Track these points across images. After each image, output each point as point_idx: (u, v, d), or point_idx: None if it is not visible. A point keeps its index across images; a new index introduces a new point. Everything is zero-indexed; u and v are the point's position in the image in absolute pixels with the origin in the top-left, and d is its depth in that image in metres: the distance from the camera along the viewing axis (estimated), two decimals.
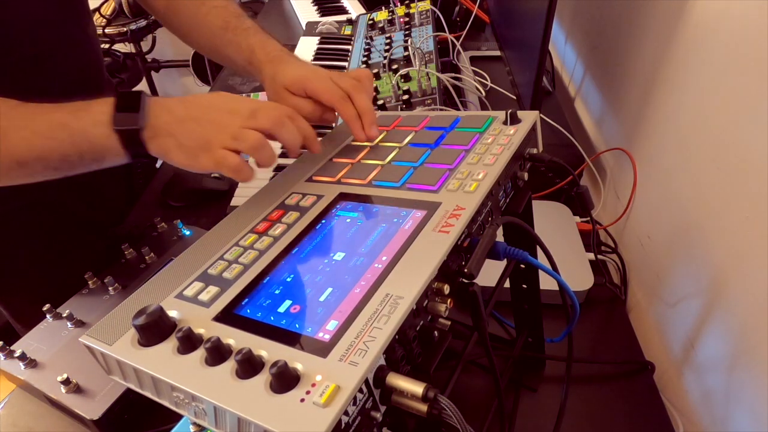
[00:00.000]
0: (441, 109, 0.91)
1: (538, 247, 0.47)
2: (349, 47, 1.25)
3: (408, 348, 0.34)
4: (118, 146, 0.48)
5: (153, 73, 2.63)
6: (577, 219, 0.81)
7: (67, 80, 0.70)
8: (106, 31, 2.28)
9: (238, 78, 1.24)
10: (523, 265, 0.54)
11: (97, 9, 2.32)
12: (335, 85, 0.57)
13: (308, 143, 0.53)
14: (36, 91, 0.49)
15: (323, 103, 0.58)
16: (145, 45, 2.51)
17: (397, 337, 0.32)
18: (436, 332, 0.36)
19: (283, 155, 0.94)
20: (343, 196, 0.47)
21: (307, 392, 0.29)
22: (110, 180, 0.86)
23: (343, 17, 1.43)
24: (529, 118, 0.51)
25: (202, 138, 0.48)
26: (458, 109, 1.01)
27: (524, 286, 0.56)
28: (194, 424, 0.45)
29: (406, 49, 1.11)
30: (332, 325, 0.33)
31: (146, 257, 0.70)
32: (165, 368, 0.34)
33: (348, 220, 0.44)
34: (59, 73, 0.69)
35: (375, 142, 0.55)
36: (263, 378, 0.31)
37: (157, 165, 1.06)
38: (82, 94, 0.49)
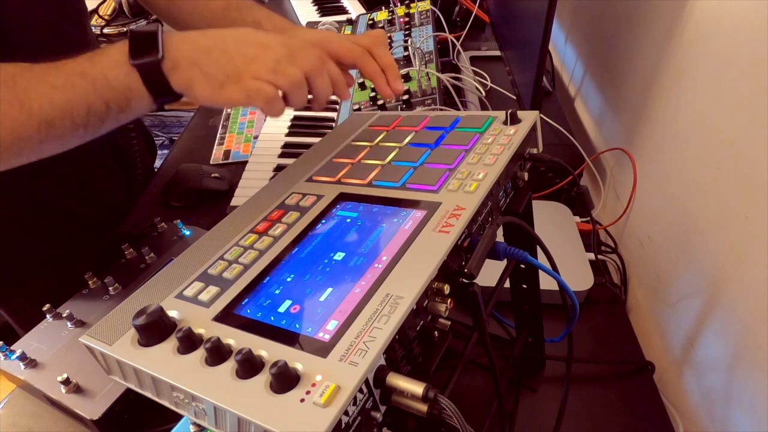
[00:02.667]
0: (441, 109, 0.91)
1: (538, 247, 0.47)
2: None
3: (408, 348, 0.34)
4: (140, 85, 0.45)
5: None
6: (577, 219, 0.81)
7: None
8: (105, 31, 2.28)
9: None
10: (523, 265, 0.54)
11: (95, 10, 2.32)
12: (354, 43, 0.55)
13: (338, 90, 0.51)
14: None
15: (343, 63, 0.55)
16: None
17: (397, 337, 0.32)
18: (436, 332, 0.36)
19: (284, 155, 0.94)
20: (343, 196, 0.47)
21: (307, 392, 0.29)
22: (109, 180, 0.86)
23: (343, 17, 1.43)
24: (529, 118, 0.51)
25: (231, 68, 0.45)
26: (458, 109, 1.01)
27: (524, 286, 0.56)
28: (194, 424, 0.44)
29: (406, 49, 1.11)
30: (332, 325, 0.33)
31: (146, 257, 0.70)
32: (165, 368, 0.34)
33: (348, 220, 0.44)
34: None
35: (375, 141, 0.55)
36: (263, 378, 0.31)
37: (156, 166, 1.06)
38: None
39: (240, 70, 0.46)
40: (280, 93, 0.47)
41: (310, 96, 0.50)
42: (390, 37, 1.17)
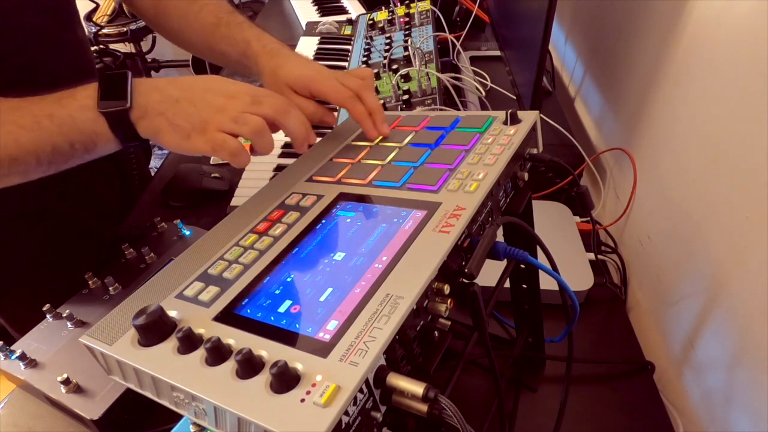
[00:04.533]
0: (441, 109, 0.91)
1: (538, 247, 0.47)
2: (349, 47, 1.25)
3: (408, 348, 0.34)
4: (107, 130, 0.46)
5: (153, 73, 2.63)
6: (577, 219, 0.81)
7: (62, 87, 0.70)
8: (106, 31, 2.28)
9: (239, 77, 1.23)
10: (523, 265, 0.54)
11: (93, 11, 2.32)
12: (342, 85, 0.56)
13: (295, 142, 0.52)
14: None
15: (330, 104, 0.57)
16: (145, 45, 2.51)
17: (397, 337, 0.32)
18: (436, 332, 0.36)
19: (284, 155, 0.94)
20: (343, 196, 0.47)
21: (308, 392, 0.29)
22: (104, 183, 0.86)
23: (343, 17, 1.43)
24: (529, 118, 0.51)
25: (197, 119, 0.46)
26: (458, 109, 1.01)
27: (524, 286, 0.56)
28: (194, 424, 0.44)
29: (406, 49, 1.11)
30: (332, 325, 0.33)
31: (146, 257, 0.70)
32: (165, 368, 0.34)
33: (348, 220, 0.44)
34: (53, 79, 0.68)
35: (375, 141, 0.55)
36: (263, 378, 0.31)
37: (152, 167, 1.06)
38: None
39: (206, 121, 0.46)
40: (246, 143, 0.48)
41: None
42: (390, 37, 1.18)
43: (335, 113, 0.59)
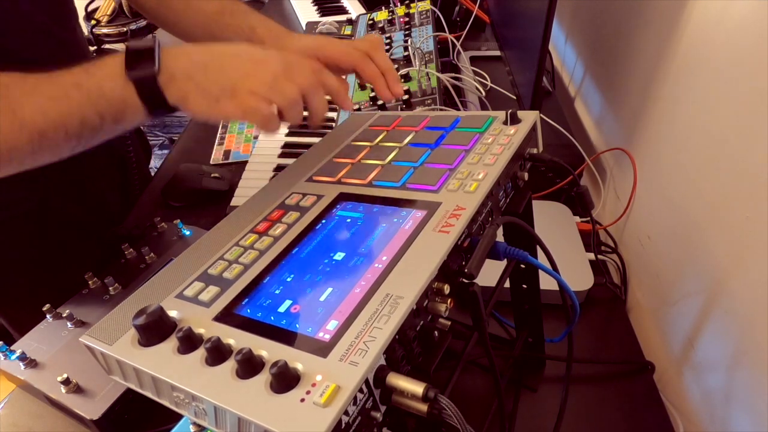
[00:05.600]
0: (441, 109, 0.91)
1: (538, 247, 0.47)
2: None
3: (408, 348, 0.34)
4: (135, 98, 0.45)
5: None
6: (577, 219, 0.81)
7: None
8: (105, 30, 2.28)
9: None
10: (523, 265, 0.54)
11: (93, 11, 2.31)
12: (353, 48, 0.55)
13: (338, 99, 0.51)
14: None
15: (341, 68, 0.55)
16: None
17: (397, 337, 0.32)
18: (436, 332, 0.36)
19: (284, 155, 0.94)
20: (343, 196, 0.47)
21: (307, 392, 0.29)
22: (105, 182, 0.86)
23: (343, 17, 1.43)
24: (529, 118, 0.51)
25: (227, 83, 0.45)
26: (458, 109, 1.01)
27: (524, 286, 0.56)
28: (194, 424, 0.44)
29: (406, 49, 1.11)
30: (332, 325, 0.33)
31: (146, 257, 0.70)
32: (165, 368, 0.34)
33: (348, 220, 0.44)
34: None
35: (375, 141, 0.55)
36: (263, 378, 0.31)
37: (152, 167, 1.06)
38: None
39: (236, 85, 0.45)
40: (275, 110, 0.47)
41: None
42: (390, 37, 1.18)
43: (347, 81, 0.58)
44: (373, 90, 0.99)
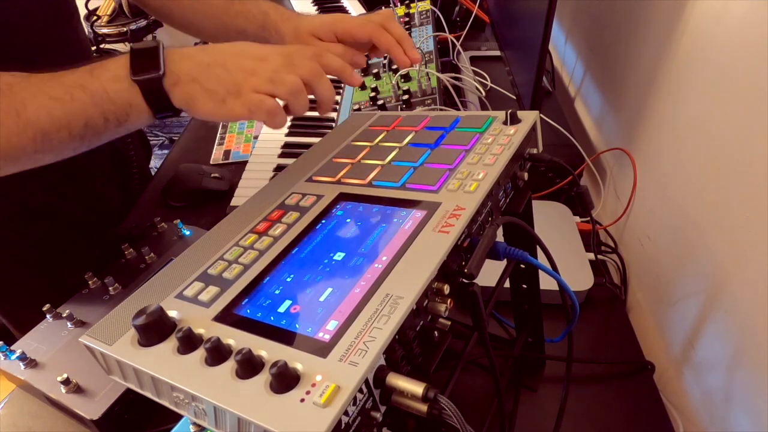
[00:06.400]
0: (441, 109, 0.92)
1: (538, 247, 0.47)
2: None
3: (408, 348, 0.34)
4: (140, 100, 0.45)
5: None
6: (577, 219, 0.81)
7: None
8: (105, 30, 2.28)
9: None
10: (523, 265, 0.54)
11: (94, 11, 2.31)
12: (366, 19, 0.56)
13: (345, 77, 0.52)
14: None
15: (357, 41, 0.56)
16: None
17: (397, 337, 0.32)
18: (436, 332, 0.36)
19: (284, 155, 0.94)
20: (343, 196, 0.47)
21: (307, 392, 0.29)
22: (105, 182, 0.86)
23: None
24: (529, 118, 0.50)
25: (231, 82, 0.45)
26: (458, 109, 1.01)
27: (524, 286, 0.56)
28: (194, 424, 0.45)
29: None
30: (332, 325, 0.33)
31: (146, 257, 0.70)
32: (165, 368, 0.34)
33: (348, 220, 0.44)
34: None
35: (375, 141, 0.55)
36: (263, 378, 0.31)
37: (152, 166, 1.06)
38: None
39: (240, 84, 0.46)
40: (281, 104, 0.47)
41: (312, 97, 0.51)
42: None
43: (364, 55, 0.58)
44: (373, 90, 1.00)
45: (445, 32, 1.17)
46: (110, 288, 0.65)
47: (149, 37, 2.46)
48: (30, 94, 0.44)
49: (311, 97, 0.49)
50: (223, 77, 0.46)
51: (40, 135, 0.45)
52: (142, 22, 2.26)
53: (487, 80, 1.10)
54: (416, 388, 0.30)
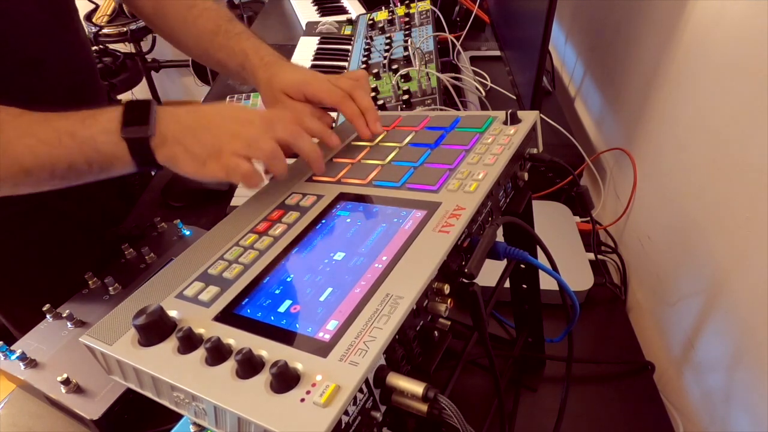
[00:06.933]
0: (441, 109, 0.91)
1: (538, 247, 0.47)
2: (349, 47, 1.25)
3: (408, 348, 0.34)
4: (126, 154, 0.47)
5: (153, 73, 2.63)
6: (577, 219, 0.81)
7: (62, 85, 0.70)
8: (106, 31, 2.28)
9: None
10: (523, 265, 0.54)
11: (93, 11, 2.32)
12: (335, 86, 0.57)
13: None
14: (32, 97, 0.49)
15: (323, 106, 0.58)
16: (145, 45, 2.51)
17: (397, 337, 0.32)
18: (436, 332, 0.36)
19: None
20: (343, 196, 0.47)
21: (307, 392, 0.29)
22: (106, 184, 0.86)
23: (343, 17, 1.43)
24: (529, 118, 0.50)
25: (212, 145, 0.48)
26: (458, 109, 1.01)
27: (524, 286, 0.56)
28: (194, 424, 0.45)
29: (406, 49, 1.11)
30: (332, 325, 0.33)
31: (146, 257, 0.70)
32: (165, 368, 0.34)
33: (348, 220, 0.44)
34: (54, 77, 0.68)
35: (375, 141, 0.55)
36: (263, 378, 0.31)
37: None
38: (77, 98, 0.49)
39: (221, 147, 0.48)
40: (261, 167, 0.49)
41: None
42: (390, 37, 1.17)
43: (332, 117, 0.60)
44: (373, 90, 1.00)
45: (445, 32, 1.17)
46: (110, 288, 0.65)
47: (149, 37, 2.46)
48: (18, 134, 0.47)
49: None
50: (205, 140, 0.48)
51: (23, 172, 0.47)
52: (142, 23, 2.26)
53: (487, 80, 1.10)
54: (416, 387, 0.30)
